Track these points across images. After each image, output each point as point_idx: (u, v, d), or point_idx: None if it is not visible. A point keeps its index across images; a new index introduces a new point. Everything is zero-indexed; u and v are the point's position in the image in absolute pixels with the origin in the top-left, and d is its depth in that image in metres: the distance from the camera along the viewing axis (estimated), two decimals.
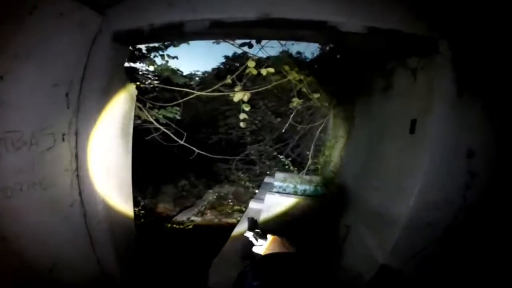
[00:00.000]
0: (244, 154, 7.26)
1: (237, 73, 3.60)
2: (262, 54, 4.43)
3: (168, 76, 4.52)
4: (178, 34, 2.00)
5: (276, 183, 5.59)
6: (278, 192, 4.82)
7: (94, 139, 2.44)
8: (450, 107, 1.98)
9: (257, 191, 6.26)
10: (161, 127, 4.29)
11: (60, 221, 2.44)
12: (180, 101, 4.01)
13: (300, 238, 1.28)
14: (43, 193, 2.25)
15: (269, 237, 1.24)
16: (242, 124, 4.14)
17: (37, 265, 2.22)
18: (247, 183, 6.54)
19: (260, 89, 4.22)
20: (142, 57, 3.60)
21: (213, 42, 4.19)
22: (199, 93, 3.73)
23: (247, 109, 3.80)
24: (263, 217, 4.31)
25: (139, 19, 1.99)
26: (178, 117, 4.66)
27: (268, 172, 6.79)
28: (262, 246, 1.22)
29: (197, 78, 7.91)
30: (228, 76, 3.64)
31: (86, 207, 2.65)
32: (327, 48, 4.63)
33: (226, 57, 9.45)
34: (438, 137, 2.03)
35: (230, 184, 7.17)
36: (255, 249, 1.23)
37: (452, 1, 1.92)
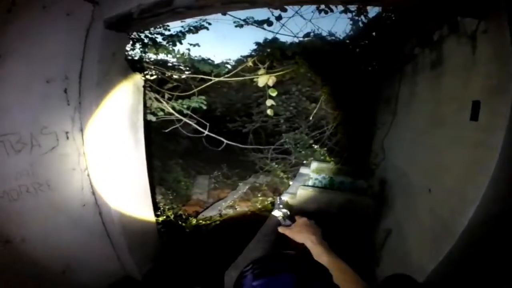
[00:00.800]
0: (279, 143, 6.93)
1: (258, 55, 3.27)
2: (288, 38, 4.07)
3: (193, 65, 4.34)
4: (169, 11, 1.74)
5: (312, 174, 5.23)
6: (312, 186, 4.47)
7: (101, 135, 2.33)
8: None
9: (291, 182, 5.95)
10: (183, 118, 4.13)
11: (72, 222, 2.38)
12: (195, 90, 3.80)
13: (332, 240, 1.11)
14: (51, 194, 2.19)
15: (297, 218, 1.21)
16: (269, 112, 3.83)
17: (48, 267, 2.18)
18: (282, 174, 6.20)
19: (286, 71, 3.85)
20: (159, 47, 3.42)
21: (235, 26, 3.91)
22: (216, 79, 3.49)
23: (273, 94, 3.47)
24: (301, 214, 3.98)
25: (127, 2, 1.77)
26: (204, 107, 4.49)
27: (304, 162, 6.42)
28: (290, 227, 1.19)
29: (229, 66, 7.76)
30: (249, 59, 3.34)
31: (100, 206, 2.59)
32: (360, 23, 4.07)
33: (257, 43, 9.13)
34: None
35: (265, 174, 6.92)
36: (280, 229, 1.20)
37: None
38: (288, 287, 0.68)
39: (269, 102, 3.62)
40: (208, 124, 4.12)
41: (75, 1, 1.88)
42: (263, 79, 3.38)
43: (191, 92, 3.90)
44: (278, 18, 2.88)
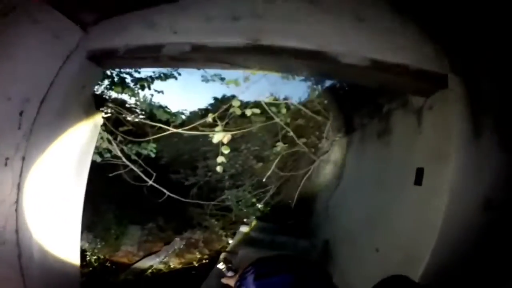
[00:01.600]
0: (221, 199, 6.86)
1: (219, 111, 3.42)
2: (250, 98, 4.39)
3: (151, 111, 4.31)
4: (153, 58, 1.83)
5: (252, 233, 5.20)
6: (254, 246, 4.42)
7: (43, 168, 2.10)
8: (466, 152, 1.71)
9: (231, 241, 5.79)
10: (130, 165, 3.96)
11: None
12: (153, 137, 3.76)
13: None
14: None
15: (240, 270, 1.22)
16: (219, 168, 3.88)
17: None
18: (220, 231, 6.03)
19: (243, 131, 4.04)
20: (126, 87, 3.40)
21: (202, 80, 4.09)
22: (175, 130, 3.50)
23: (226, 151, 3.56)
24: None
25: (116, 38, 1.82)
26: (153, 155, 4.40)
27: (245, 220, 6.37)
28: (233, 277, 1.24)
29: (183, 117, 7.84)
30: (210, 115, 3.45)
31: (22, 248, 2.20)
32: (316, 91, 4.61)
33: (215, 98, 9.51)
34: (453, 189, 1.73)
35: (202, 230, 6.65)
36: (224, 280, 1.27)
37: (466, 36, 1.78)
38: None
39: (220, 159, 3.68)
40: (154, 174, 3.98)
41: (66, 24, 1.85)
42: (219, 136, 3.46)
43: (147, 138, 3.81)
44: (246, 79, 3.11)
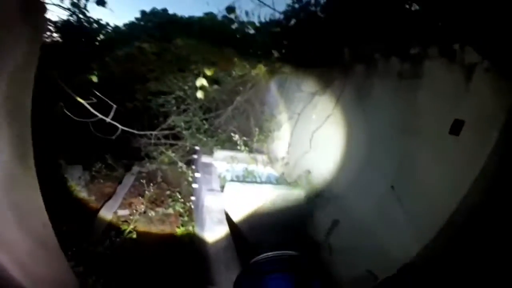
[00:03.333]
0: (166, 125, 6.13)
1: None
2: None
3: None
4: None
5: (222, 165, 4.88)
6: (242, 181, 4.16)
7: None
8: None
9: (190, 172, 5.37)
10: (79, 98, 3.11)
11: None
12: None
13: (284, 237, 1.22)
14: None
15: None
16: (200, 94, 3.27)
17: None
18: (180, 163, 5.51)
19: None
20: None
21: None
22: None
23: (209, 73, 2.91)
24: (234, 216, 3.58)
25: None
26: (95, 79, 3.51)
27: (196, 148, 5.94)
28: None
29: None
30: None
31: None
32: None
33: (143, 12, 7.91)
34: (496, 150, 1.82)
35: (150, 162, 6.03)
36: None
37: None
38: (287, 286, 0.67)
39: (199, 82, 3.03)
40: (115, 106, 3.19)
41: None
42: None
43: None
44: None
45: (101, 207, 4.16)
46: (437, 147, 2.24)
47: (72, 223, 3.32)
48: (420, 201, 2.29)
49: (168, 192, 5.18)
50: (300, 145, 4.33)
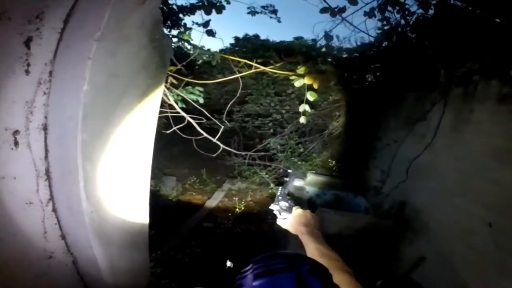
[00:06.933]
0: (261, 146, 6.33)
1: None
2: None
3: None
4: None
5: (307, 188, 4.79)
6: (331, 208, 3.99)
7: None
8: None
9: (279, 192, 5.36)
10: (185, 114, 3.33)
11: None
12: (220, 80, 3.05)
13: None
14: None
15: (294, 210, 1.23)
16: (302, 120, 3.12)
17: None
18: (272, 184, 5.56)
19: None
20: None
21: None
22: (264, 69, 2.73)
23: (312, 98, 2.81)
24: None
25: None
26: (201, 100, 3.78)
27: (289, 171, 5.93)
28: (286, 220, 1.22)
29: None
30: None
31: (76, 254, 1.52)
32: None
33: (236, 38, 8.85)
34: None
35: (242, 181, 6.27)
36: (278, 222, 1.24)
37: None
38: (288, 286, 0.60)
39: (302, 108, 2.93)
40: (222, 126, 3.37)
41: None
42: (302, 80, 2.67)
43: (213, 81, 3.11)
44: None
45: (189, 217, 4.46)
46: None
47: (160, 228, 3.60)
48: None
49: (255, 211, 5.25)
50: (395, 174, 3.95)
